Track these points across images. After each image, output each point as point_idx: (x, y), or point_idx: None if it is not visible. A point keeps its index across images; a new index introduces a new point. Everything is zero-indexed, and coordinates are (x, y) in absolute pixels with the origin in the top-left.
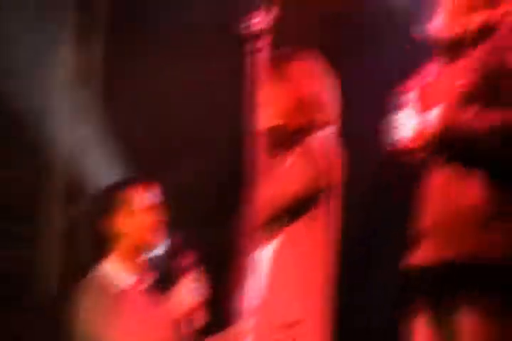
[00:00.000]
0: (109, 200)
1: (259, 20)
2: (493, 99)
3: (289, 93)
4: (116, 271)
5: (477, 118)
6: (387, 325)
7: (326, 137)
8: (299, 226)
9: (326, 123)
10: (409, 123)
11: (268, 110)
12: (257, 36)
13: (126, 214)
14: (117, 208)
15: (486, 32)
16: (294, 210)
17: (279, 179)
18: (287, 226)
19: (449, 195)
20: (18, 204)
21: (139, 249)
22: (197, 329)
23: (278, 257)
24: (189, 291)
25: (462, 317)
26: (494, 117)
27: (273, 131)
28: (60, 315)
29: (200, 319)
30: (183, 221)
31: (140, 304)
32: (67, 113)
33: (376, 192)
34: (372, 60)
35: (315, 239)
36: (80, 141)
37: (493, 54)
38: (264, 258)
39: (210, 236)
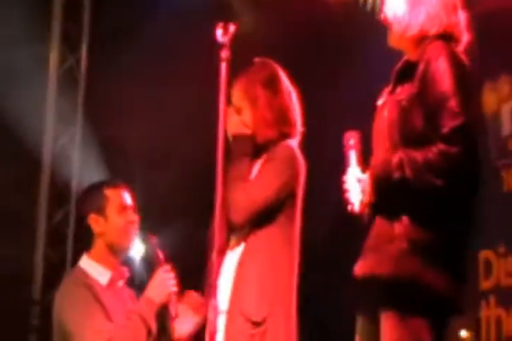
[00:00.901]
0: (86, 201)
1: (222, 32)
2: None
3: (258, 104)
4: (93, 267)
5: (404, 160)
6: (343, 320)
7: (292, 146)
8: (267, 231)
9: (291, 135)
10: (354, 187)
11: (234, 118)
12: (221, 47)
13: (102, 215)
14: (94, 209)
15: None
16: (263, 215)
17: (247, 185)
18: (255, 230)
19: (380, 226)
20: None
21: (113, 248)
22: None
23: (245, 259)
24: (165, 281)
25: (382, 318)
26: (416, 157)
27: (239, 138)
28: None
29: (176, 309)
30: (156, 222)
31: (116, 298)
32: (51, 119)
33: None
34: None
35: (280, 243)
36: (63, 147)
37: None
38: (232, 260)
39: (181, 236)
